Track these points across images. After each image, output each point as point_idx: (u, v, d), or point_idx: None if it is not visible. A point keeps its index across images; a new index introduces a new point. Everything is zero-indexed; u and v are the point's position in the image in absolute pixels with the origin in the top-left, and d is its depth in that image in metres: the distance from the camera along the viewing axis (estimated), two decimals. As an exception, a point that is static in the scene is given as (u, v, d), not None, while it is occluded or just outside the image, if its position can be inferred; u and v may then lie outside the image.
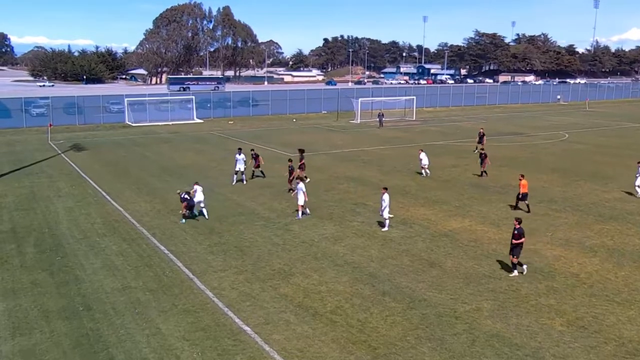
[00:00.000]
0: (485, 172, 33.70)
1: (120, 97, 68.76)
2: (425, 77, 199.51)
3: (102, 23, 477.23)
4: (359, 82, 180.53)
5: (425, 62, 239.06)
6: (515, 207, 26.51)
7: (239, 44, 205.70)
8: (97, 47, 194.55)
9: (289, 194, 29.21)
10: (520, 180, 26.33)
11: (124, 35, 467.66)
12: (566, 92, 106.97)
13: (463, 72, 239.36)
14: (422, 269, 19.05)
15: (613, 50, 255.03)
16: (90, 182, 32.88)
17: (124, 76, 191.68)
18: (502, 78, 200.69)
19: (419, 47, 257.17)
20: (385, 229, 23.29)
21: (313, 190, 30.37)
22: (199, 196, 25.19)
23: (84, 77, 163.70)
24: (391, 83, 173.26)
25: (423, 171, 34.37)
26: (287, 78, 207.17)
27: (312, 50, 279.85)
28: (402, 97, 76.72)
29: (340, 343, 14.21)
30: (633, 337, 14.54)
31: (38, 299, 16.68)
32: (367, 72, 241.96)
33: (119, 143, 49.50)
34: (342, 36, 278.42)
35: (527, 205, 26.30)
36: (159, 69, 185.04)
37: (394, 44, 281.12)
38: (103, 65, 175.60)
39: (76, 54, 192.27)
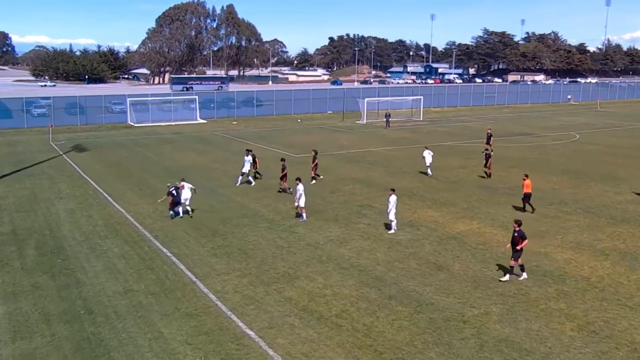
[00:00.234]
0: (487, 173, 33.67)
1: (122, 97, 69.01)
2: (433, 77, 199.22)
3: (104, 22, 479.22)
4: (365, 82, 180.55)
5: (432, 61, 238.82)
6: (524, 209, 26.49)
7: (243, 43, 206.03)
8: (99, 47, 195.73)
9: (285, 194, 29.31)
10: (524, 180, 26.39)
11: (126, 35, 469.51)
12: (577, 92, 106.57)
13: (471, 71, 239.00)
14: (429, 272, 19.01)
15: (625, 48, 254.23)
16: (91, 183, 32.99)
17: (126, 76, 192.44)
18: (511, 77, 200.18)
19: (427, 46, 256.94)
20: (392, 231, 23.26)
21: (318, 192, 30.39)
22: (185, 194, 25.62)
23: (86, 76, 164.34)
24: (398, 83, 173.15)
25: (428, 170, 34.70)
26: (291, 78, 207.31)
27: (317, 49, 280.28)
28: (409, 97, 76.59)
29: (345, 348, 14.20)
30: (646, 342, 14.47)
31: (39, 302, 16.74)
32: (374, 72, 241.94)
33: (121, 144, 49.65)
34: (348, 35, 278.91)
35: (531, 206, 26.35)
36: (162, 69, 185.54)
37: (400, 42, 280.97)
38: (105, 65, 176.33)
39: (78, 53, 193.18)
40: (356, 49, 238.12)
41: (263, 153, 34.87)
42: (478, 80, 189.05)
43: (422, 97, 74.16)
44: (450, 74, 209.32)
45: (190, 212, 25.85)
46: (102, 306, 16.50)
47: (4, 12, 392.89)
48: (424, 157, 34.60)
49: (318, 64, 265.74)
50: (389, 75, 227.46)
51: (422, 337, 14.68)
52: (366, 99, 69.18)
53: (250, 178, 32.29)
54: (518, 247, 18.18)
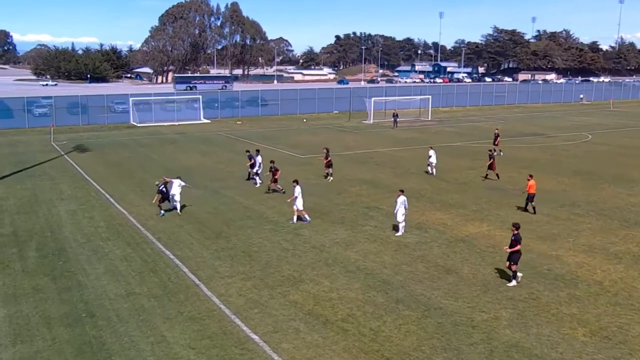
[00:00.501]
0: (488, 174, 33.65)
1: (125, 97, 69.22)
2: (442, 76, 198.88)
3: (107, 20, 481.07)
4: (372, 81, 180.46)
5: (441, 60, 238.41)
6: (525, 209, 26.73)
7: (248, 42, 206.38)
8: (101, 45, 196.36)
9: (270, 194, 29.89)
10: (529, 180, 26.48)
11: (129, 33, 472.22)
12: (589, 91, 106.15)
13: (481, 70, 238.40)
14: (437, 276, 18.97)
15: (639, 47, 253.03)
16: (93, 184, 33.11)
17: (128, 75, 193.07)
18: (521, 76, 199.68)
19: (435, 45, 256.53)
20: (399, 233, 23.24)
21: (324, 193, 30.41)
22: (173, 189, 26.08)
23: (88, 76, 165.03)
24: (406, 82, 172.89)
25: (430, 169, 35.29)
26: (297, 77, 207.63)
27: (323, 48, 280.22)
28: (417, 97, 76.49)
29: (351, 353, 14.18)
30: (660, 348, 14.39)
31: (40, 305, 16.80)
32: (381, 71, 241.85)
33: (124, 144, 49.80)
34: (354, 33, 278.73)
35: (533, 208, 26.45)
36: (165, 68, 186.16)
37: (408, 41, 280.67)
38: (107, 64, 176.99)
39: (80, 52, 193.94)
40: (363, 47, 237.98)
41: (268, 154, 34.89)
42: (488, 79, 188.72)
43: (430, 96, 74.10)
44: (459, 72, 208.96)
45: (178, 209, 26.35)
46: (104, 309, 16.54)
47: (5, 11, 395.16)
48: (429, 156, 35.22)
49: (324, 62, 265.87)
50: (396, 74, 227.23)
51: (430, 342, 14.64)
52: (373, 99, 69.12)
53: (257, 178, 32.43)
54: (507, 249, 18.27)
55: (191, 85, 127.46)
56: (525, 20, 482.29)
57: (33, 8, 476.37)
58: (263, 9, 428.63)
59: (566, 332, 15.14)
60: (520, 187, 31.36)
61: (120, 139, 52.89)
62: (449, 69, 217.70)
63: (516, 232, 18.27)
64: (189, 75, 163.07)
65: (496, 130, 44.59)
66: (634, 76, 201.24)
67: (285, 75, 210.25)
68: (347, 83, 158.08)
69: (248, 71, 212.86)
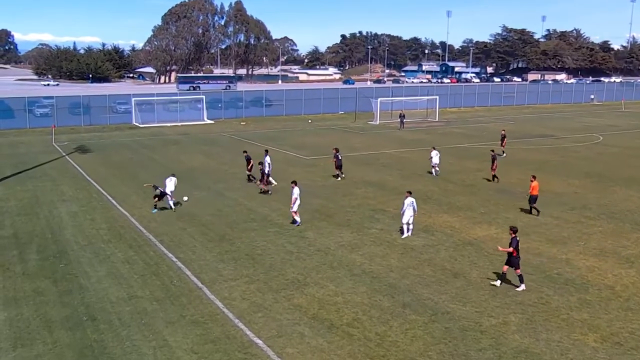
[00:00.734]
0: (495, 176, 33.62)
1: (127, 97, 69.41)
2: (449, 76, 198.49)
3: (109, 19, 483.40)
4: (378, 81, 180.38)
5: (449, 60, 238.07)
6: (530, 212, 26.78)
7: (252, 41, 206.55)
8: (103, 45, 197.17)
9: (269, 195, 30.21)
10: (532, 181, 26.55)
11: (132, 32, 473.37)
12: (600, 92, 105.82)
13: (489, 70, 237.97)
14: (445, 280, 18.93)
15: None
16: (95, 185, 33.21)
17: (131, 75, 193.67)
18: (531, 76, 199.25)
19: (443, 44, 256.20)
20: (404, 235, 23.25)
21: (330, 195, 30.41)
22: (170, 186, 27.14)
23: (90, 75, 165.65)
24: (412, 82, 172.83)
25: (433, 170, 35.59)
26: (302, 77, 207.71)
27: (328, 48, 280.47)
28: (424, 97, 76.44)
29: (357, 358, 14.17)
30: (673, 354, 14.31)
31: (40, 308, 16.85)
32: (387, 71, 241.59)
33: (126, 145, 49.95)
34: (360, 32, 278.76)
35: (536, 209, 26.57)
36: (168, 67, 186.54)
37: (415, 40, 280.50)
38: (110, 64, 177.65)
39: (82, 51, 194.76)
40: (369, 47, 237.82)
41: (272, 155, 34.89)
42: (496, 79, 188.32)
43: (437, 97, 73.98)
44: (467, 72, 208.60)
45: (171, 205, 27.40)
46: (106, 313, 16.58)
47: (7, 10, 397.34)
48: (431, 157, 35.56)
49: (329, 62, 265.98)
50: (403, 74, 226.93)
51: (437, 348, 14.61)
52: (379, 99, 69.10)
53: (271, 179, 32.65)
54: (500, 249, 18.54)
55: (194, 85, 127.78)
56: (534, 19, 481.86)
57: (34, 7, 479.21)
58: (267, 8, 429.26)
59: (577, 338, 15.08)
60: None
61: (122, 140, 53.05)
62: (456, 69, 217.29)
63: (513, 235, 18.28)
64: (192, 75, 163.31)
65: (503, 132, 44.56)
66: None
67: (290, 75, 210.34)
68: (353, 83, 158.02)
69: (252, 71, 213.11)
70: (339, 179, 34.32)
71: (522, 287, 18.12)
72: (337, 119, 72.59)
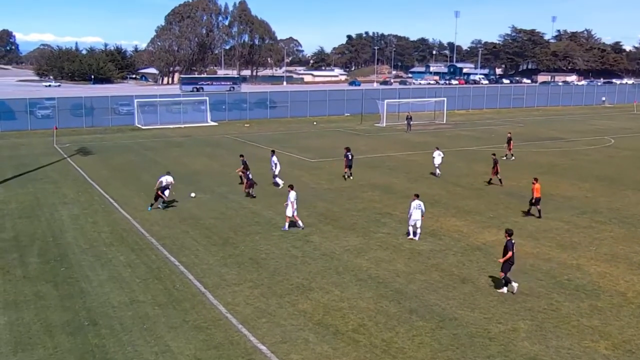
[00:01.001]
0: (499, 179, 33.63)
1: (129, 98, 69.62)
2: (457, 77, 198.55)
3: (112, 19, 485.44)
4: (385, 83, 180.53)
5: (457, 61, 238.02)
6: (528, 213, 26.98)
7: (256, 42, 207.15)
8: (105, 45, 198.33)
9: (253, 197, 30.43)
10: (534, 184, 26.71)
11: (134, 33, 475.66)
12: (612, 94, 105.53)
13: (498, 71, 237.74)
14: (452, 285, 18.90)
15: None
16: (97, 188, 33.31)
17: (134, 76, 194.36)
18: (541, 78, 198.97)
19: (450, 45, 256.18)
20: (411, 236, 23.41)
21: (335, 199, 30.42)
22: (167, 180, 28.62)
23: (92, 76, 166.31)
24: (420, 83, 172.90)
25: (436, 171, 36.09)
26: (307, 78, 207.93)
27: (334, 48, 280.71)
28: (431, 99, 76.38)
29: (363, 364, 14.14)
30: (686, 363, 14.24)
31: (41, 313, 16.90)
32: (394, 72, 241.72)
33: (128, 147, 50.09)
34: (367, 33, 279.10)
35: (539, 211, 26.69)
36: (171, 68, 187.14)
37: (423, 41, 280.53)
38: (112, 64, 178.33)
39: (84, 52, 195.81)
40: (376, 47, 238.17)
41: (277, 157, 34.97)
42: (505, 81, 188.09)
43: (445, 98, 73.90)
44: (476, 74, 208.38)
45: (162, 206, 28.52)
46: (107, 317, 16.62)
47: (8, 10, 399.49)
48: (433, 157, 36.06)
49: (335, 63, 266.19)
50: (410, 75, 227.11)
51: (444, 355, 14.58)
52: (386, 101, 69.05)
53: (277, 180, 33.05)
54: (500, 260, 18.43)
55: (198, 86, 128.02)
56: (544, 19, 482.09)
57: (36, 7, 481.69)
58: (272, 8, 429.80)
59: (587, 345, 15.02)
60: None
61: (124, 142, 53.21)
62: (464, 70, 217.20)
63: (509, 238, 18.30)
64: (196, 76, 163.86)
65: (509, 134, 44.51)
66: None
67: (295, 76, 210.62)
68: (359, 85, 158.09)
69: (256, 72, 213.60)
70: (350, 178, 35.04)
71: (504, 290, 18.26)
72: (342, 121, 72.62)
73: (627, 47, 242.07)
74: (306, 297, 17.99)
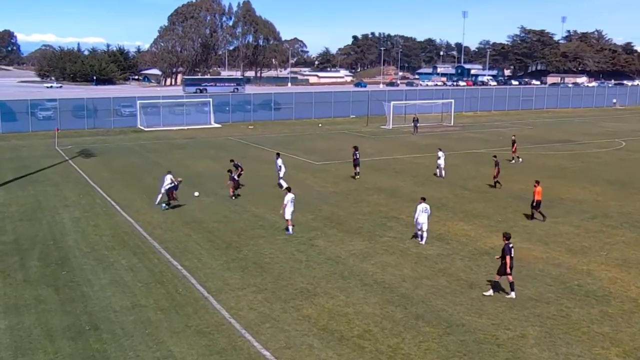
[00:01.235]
0: (496, 182, 33.75)
1: (132, 100, 69.90)
2: (465, 79, 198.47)
3: (114, 20, 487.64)
4: (391, 84, 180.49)
5: (464, 62, 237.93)
6: (543, 217, 26.91)
7: (261, 42, 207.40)
8: (108, 46, 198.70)
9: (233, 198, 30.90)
10: (535, 186, 26.83)
11: (137, 33, 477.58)
12: (623, 96, 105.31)
13: (507, 72, 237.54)
14: (460, 291, 18.86)
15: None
16: (98, 190, 33.40)
17: (136, 77, 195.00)
18: (550, 79, 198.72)
19: (458, 46, 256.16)
20: (418, 239, 23.44)
21: (340, 202, 30.41)
22: (165, 182, 29.38)
23: (94, 77, 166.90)
24: (427, 85, 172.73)
25: (438, 171, 36.81)
26: (312, 79, 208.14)
27: (340, 49, 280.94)
28: (438, 101, 76.43)
29: (368, 371, 14.12)
30: (700, 370, 14.17)
31: (42, 317, 16.94)
32: (401, 73, 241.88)
33: (130, 149, 50.23)
34: (373, 33, 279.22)
35: (542, 214, 26.90)
36: (174, 69, 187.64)
37: (430, 42, 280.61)
38: (114, 65, 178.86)
39: (86, 52, 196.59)
40: (382, 48, 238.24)
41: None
42: (514, 82, 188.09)
43: (453, 100, 73.92)
44: (484, 75, 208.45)
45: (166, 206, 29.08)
46: (109, 322, 16.64)
47: (9, 10, 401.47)
48: (438, 157, 36.80)
49: (341, 64, 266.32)
50: (417, 76, 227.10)
51: (452, 361, 14.55)
52: (392, 103, 69.11)
53: (282, 182, 33.16)
54: (497, 257, 18.59)
55: (201, 87, 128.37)
56: (554, 19, 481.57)
57: (38, 7, 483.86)
58: (277, 8, 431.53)
59: (598, 352, 14.96)
60: (549, 197, 31.12)
61: (127, 144, 53.35)
62: (472, 72, 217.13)
63: (506, 242, 18.33)
64: (199, 77, 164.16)
65: (513, 137, 44.46)
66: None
67: (299, 77, 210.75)
68: (365, 86, 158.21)
69: (261, 73, 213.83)
70: (357, 177, 35.95)
71: (490, 292, 18.39)
72: (348, 123, 72.65)
73: (639, 48, 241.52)
74: (311, 302, 17.98)
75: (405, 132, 61.80)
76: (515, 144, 43.15)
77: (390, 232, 25.15)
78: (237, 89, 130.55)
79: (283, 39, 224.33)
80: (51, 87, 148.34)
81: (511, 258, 18.25)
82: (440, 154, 36.95)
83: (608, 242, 23.86)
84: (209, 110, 69.78)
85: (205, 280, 19.67)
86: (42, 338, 15.71)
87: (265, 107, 76.77)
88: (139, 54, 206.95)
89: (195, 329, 16.20)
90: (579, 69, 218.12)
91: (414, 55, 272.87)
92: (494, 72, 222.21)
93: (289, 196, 24.84)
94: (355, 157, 36.20)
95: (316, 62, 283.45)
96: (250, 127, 67.38)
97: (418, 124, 62.34)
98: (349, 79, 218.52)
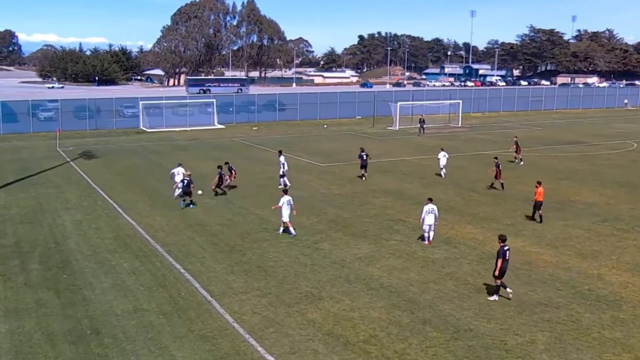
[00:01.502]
0: (501, 184, 33.65)
1: (134, 100, 70.02)
2: (473, 79, 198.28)
3: (116, 20, 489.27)
4: (397, 84, 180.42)
5: (472, 62, 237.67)
6: (540, 220, 27.00)
7: (265, 42, 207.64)
8: (110, 46, 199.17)
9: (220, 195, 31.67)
10: (537, 187, 26.94)
11: (140, 33, 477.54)
12: (634, 96, 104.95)
13: (516, 73, 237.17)
14: (467, 295, 18.82)
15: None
16: (100, 192, 33.48)
17: (139, 77, 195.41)
18: (560, 80, 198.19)
19: (466, 45, 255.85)
20: (423, 242, 23.37)
21: (346, 205, 30.40)
22: (177, 177, 30.70)
23: (96, 78, 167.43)
24: (434, 85, 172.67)
25: (442, 172, 37.10)
26: (317, 79, 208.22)
27: (345, 49, 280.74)
28: (446, 101, 76.37)
29: (374, 377, 14.11)
30: None
31: (42, 321, 16.98)
32: (407, 73, 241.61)
33: (133, 150, 50.35)
34: (379, 33, 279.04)
35: (540, 216, 26.96)
36: (177, 70, 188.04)
37: (437, 41, 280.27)
38: (117, 66, 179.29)
39: (88, 53, 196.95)
40: (388, 48, 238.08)
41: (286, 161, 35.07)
42: (523, 82, 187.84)
43: (460, 101, 73.86)
44: (492, 75, 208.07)
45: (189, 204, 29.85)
46: (110, 326, 16.67)
47: (10, 10, 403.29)
48: (438, 158, 37.07)
49: (346, 64, 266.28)
50: (424, 77, 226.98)
51: (459, 367, 14.51)
52: (399, 103, 69.06)
53: (285, 180, 33.63)
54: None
55: (205, 88, 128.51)
56: (564, 19, 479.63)
57: (39, 7, 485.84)
58: (282, 7, 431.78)
59: (609, 359, 14.90)
60: (559, 199, 31.10)
61: (129, 145, 53.48)
62: (481, 72, 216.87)
63: (501, 244, 18.36)
64: (203, 77, 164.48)
65: (515, 138, 44.30)
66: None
67: (304, 77, 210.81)
68: (371, 86, 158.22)
69: (265, 73, 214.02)
70: (363, 178, 36.31)
71: (495, 297, 18.33)
72: (354, 124, 72.65)
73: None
74: (315, 306, 17.98)
75: (412, 133, 61.76)
76: (517, 145, 42.90)
77: (397, 236, 25.12)
78: (241, 89, 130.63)
79: (288, 38, 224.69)
80: (53, 87, 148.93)
81: (506, 261, 18.23)
82: (441, 154, 37.10)
83: (619, 246, 23.78)
84: (212, 111, 69.88)
85: (208, 284, 19.69)
86: (42, 342, 15.75)
87: (270, 108, 76.87)
88: (141, 54, 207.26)
89: (198, 333, 16.22)
90: (590, 69, 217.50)
91: (421, 55, 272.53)
92: (503, 73, 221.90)
93: (285, 198, 24.95)
94: (362, 158, 36.42)
95: (321, 62, 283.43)
96: (254, 128, 67.46)
97: (424, 125, 62.29)
98: (354, 79, 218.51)
